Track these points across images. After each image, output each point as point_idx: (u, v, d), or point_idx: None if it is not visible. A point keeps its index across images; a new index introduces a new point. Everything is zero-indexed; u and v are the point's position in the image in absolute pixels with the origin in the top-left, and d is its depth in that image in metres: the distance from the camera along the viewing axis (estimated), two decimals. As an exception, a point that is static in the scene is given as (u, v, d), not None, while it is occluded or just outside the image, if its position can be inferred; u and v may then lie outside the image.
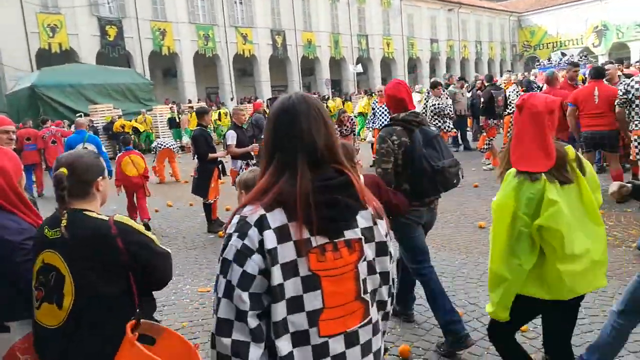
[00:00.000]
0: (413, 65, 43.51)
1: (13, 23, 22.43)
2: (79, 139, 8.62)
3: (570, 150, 2.21)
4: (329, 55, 36.57)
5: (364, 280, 1.34)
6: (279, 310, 1.24)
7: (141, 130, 18.52)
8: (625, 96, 6.08)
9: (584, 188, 2.16)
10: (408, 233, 3.32)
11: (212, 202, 7.00)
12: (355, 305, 1.33)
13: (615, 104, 6.24)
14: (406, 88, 3.38)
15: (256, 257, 1.24)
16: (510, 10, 51.73)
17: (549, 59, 24.42)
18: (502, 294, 2.16)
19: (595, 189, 2.25)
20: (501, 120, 10.02)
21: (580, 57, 24.69)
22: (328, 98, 26.19)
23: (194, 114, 15.02)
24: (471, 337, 3.21)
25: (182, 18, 29.02)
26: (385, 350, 3.34)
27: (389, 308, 1.47)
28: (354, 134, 10.93)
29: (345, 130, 10.19)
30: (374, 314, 1.38)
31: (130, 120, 18.43)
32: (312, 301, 1.27)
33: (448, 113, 10.40)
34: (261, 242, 1.24)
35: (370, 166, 9.66)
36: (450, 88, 12.79)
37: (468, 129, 13.56)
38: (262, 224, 1.25)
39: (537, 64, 24.66)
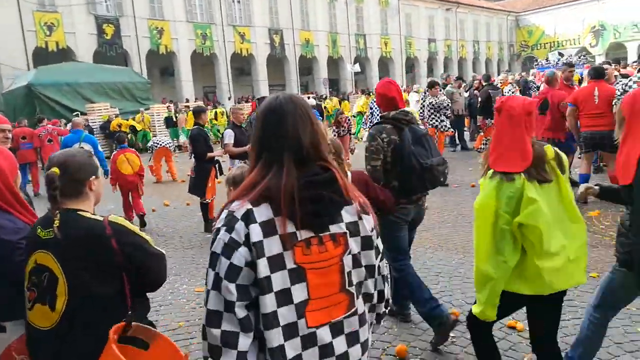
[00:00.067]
0: (411, 65, 43.54)
1: (10, 21, 22.36)
2: (76, 138, 8.59)
3: (549, 150, 2.26)
4: (326, 54, 36.57)
5: (349, 273, 1.39)
6: (268, 303, 1.28)
7: (138, 129, 18.49)
8: (622, 96, 6.08)
9: (563, 187, 2.22)
10: (394, 231, 3.38)
11: (209, 201, 6.99)
12: (341, 296, 1.37)
13: (613, 103, 6.25)
14: (396, 87, 3.45)
15: (243, 250, 1.28)
16: (508, 10, 51.84)
17: (547, 59, 24.51)
18: (489, 292, 2.22)
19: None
20: (499, 120, 10.00)
21: (579, 57, 24.78)
22: (326, 97, 26.17)
23: (190, 113, 15.01)
24: (453, 316, 3.31)
25: (179, 17, 28.98)
26: (383, 350, 3.37)
27: (376, 300, 1.51)
28: (351, 134, 10.93)
29: (343, 131, 10.19)
30: (360, 305, 1.43)
31: (127, 119, 18.39)
32: (299, 293, 1.32)
33: (446, 105, 10.36)
34: (247, 236, 1.29)
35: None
36: (448, 88, 12.79)
37: (465, 128, 13.58)
38: (248, 218, 1.30)
39: (536, 63, 24.75)
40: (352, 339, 1.39)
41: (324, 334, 1.34)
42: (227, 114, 21.49)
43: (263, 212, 1.31)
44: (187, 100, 25.70)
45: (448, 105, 10.50)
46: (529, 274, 2.18)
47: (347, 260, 1.38)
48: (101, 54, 25.61)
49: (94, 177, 1.87)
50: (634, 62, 24.08)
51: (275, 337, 1.29)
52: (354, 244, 1.40)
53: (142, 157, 8.00)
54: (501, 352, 3.19)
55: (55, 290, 1.70)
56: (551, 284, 2.17)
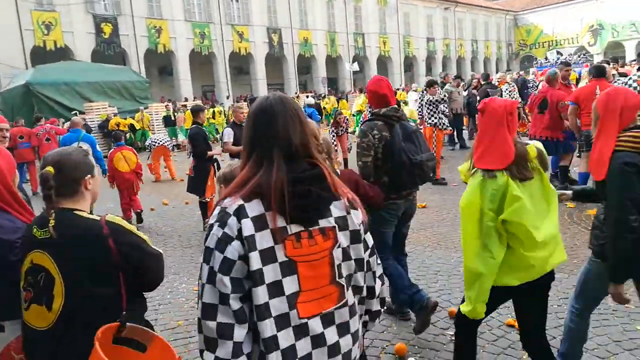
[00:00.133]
0: (409, 64, 43.57)
1: (8, 20, 22.31)
2: (74, 137, 8.56)
3: (531, 149, 2.31)
4: (325, 53, 36.57)
5: (339, 266, 1.44)
6: (260, 294, 1.32)
7: (137, 128, 18.46)
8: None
9: (545, 180, 2.30)
10: (382, 226, 3.43)
11: (208, 200, 6.98)
12: (331, 288, 1.42)
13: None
14: (388, 84, 3.52)
15: (235, 244, 1.33)
16: (507, 9, 51.91)
17: (545, 58, 24.55)
18: (479, 289, 2.27)
19: None
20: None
21: (579, 56, 24.80)
22: (324, 96, 26.17)
23: (188, 112, 14.98)
24: (432, 300, 3.35)
25: (177, 16, 28.95)
26: (382, 348, 3.38)
27: (365, 294, 1.55)
28: (348, 133, 10.93)
29: (341, 130, 10.18)
30: (350, 297, 1.48)
31: (126, 119, 18.36)
32: (290, 285, 1.36)
33: (444, 98, 10.31)
34: (240, 230, 1.33)
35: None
36: (447, 87, 12.78)
37: (464, 127, 13.58)
38: (240, 213, 1.35)
39: (535, 62, 24.79)
40: (343, 329, 1.44)
41: (315, 325, 1.38)
42: (225, 112, 21.50)
43: (254, 208, 1.35)
44: (186, 99, 25.67)
45: (445, 99, 10.46)
46: (519, 266, 2.23)
47: (337, 253, 1.43)
48: (99, 53, 25.56)
49: (89, 175, 1.85)
50: (632, 60, 24.16)
51: (267, 328, 1.32)
52: (343, 238, 1.45)
53: (141, 156, 7.98)
54: (500, 351, 3.23)
55: (52, 291, 1.69)
56: (542, 268, 2.25)
